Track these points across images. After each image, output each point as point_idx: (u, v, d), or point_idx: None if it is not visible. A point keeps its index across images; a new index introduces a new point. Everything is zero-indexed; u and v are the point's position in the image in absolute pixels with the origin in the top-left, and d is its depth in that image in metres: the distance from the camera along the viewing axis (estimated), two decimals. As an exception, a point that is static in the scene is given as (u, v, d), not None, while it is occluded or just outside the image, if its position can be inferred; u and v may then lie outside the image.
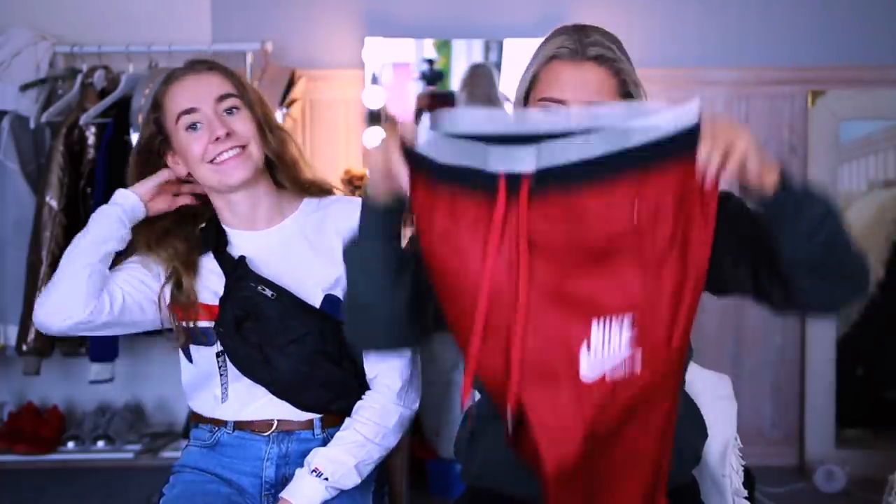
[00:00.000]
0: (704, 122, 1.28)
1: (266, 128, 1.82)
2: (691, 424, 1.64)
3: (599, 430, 1.31)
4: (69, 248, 1.80)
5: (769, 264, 1.41)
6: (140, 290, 1.83)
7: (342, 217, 1.84)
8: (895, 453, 3.36)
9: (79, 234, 1.81)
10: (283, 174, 1.86)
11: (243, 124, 1.80)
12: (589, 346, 1.30)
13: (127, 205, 1.80)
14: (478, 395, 1.67)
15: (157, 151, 1.85)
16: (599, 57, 1.52)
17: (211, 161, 1.78)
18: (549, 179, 1.29)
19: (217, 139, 1.77)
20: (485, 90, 3.67)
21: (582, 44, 1.52)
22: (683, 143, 1.27)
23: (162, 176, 1.84)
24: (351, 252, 1.51)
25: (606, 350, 1.30)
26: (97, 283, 1.77)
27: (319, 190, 1.91)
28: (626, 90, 1.54)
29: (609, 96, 1.52)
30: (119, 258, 1.84)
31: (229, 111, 1.80)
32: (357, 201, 1.87)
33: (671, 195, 1.28)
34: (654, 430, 1.34)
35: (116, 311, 1.79)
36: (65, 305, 1.76)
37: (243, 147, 1.79)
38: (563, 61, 1.53)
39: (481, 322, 1.32)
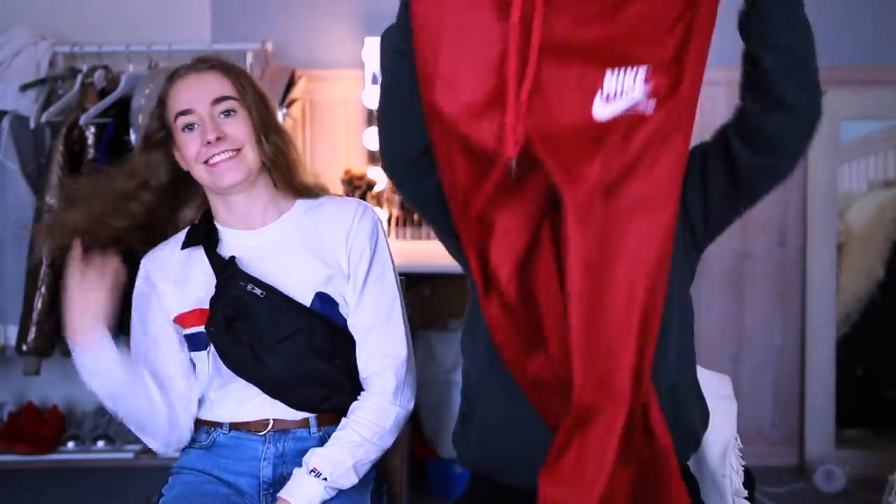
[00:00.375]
0: None
1: (263, 131, 1.81)
2: (694, 398, 1.62)
3: (612, 169, 1.37)
4: (106, 398, 1.79)
5: (734, 132, 1.51)
6: (173, 349, 1.84)
7: (336, 217, 1.84)
8: (895, 453, 3.36)
9: (97, 390, 1.79)
10: (278, 176, 1.86)
11: (238, 128, 1.79)
12: (602, 91, 1.37)
13: (94, 351, 1.81)
14: (461, 384, 1.67)
15: (159, 144, 1.85)
16: None
17: (205, 162, 1.78)
18: None
19: (208, 143, 1.77)
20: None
21: None
22: None
23: (96, 306, 1.81)
24: (389, 38, 1.49)
25: (620, 98, 1.37)
26: (155, 392, 1.79)
27: (313, 194, 1.90)
28: None
29: None
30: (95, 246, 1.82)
31: (226, 113, 1.80)
32: (351, 202, 1.88)
33: None
34: (663, 177, 1.39)
35: (193, 380, 1.83)
36: (166, 429, 1.81)
37: (237, 150, 1.79)
38: None
39: (514, 67, 1.34)
